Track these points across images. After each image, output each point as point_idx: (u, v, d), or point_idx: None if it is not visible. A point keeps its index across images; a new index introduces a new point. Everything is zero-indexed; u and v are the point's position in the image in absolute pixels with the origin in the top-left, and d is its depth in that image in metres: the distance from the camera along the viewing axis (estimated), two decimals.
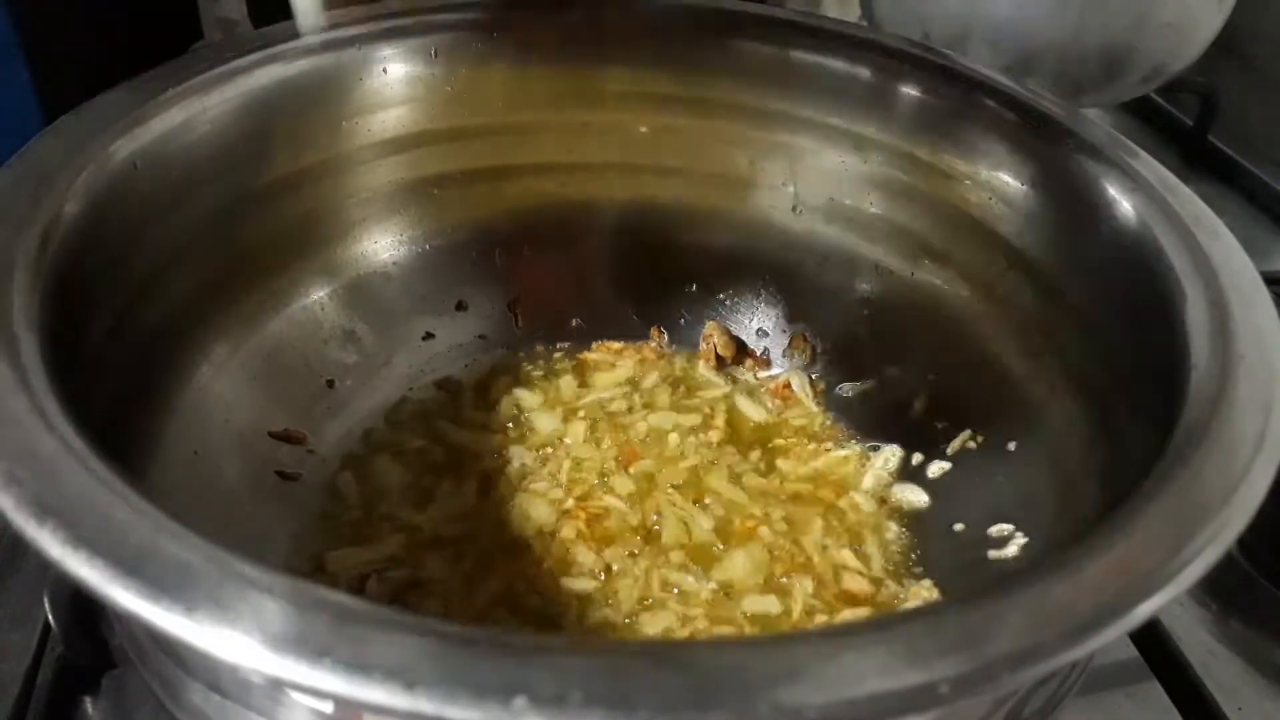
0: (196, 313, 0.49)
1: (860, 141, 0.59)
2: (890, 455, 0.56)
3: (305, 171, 0.55)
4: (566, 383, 0.61)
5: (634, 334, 0.64)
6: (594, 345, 0.63)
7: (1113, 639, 0.27)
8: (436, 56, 0.57)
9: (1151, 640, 0.50)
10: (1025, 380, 0.53)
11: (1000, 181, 0.53)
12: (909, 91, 0.56)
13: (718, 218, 0.64)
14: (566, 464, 0.55)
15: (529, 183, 0.63)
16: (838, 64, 0.58)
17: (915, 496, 0.54)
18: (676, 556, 0.51)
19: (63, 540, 0.26)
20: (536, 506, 0.52)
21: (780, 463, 0.57)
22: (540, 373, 0.61)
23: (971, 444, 0.54)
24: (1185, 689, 0.48)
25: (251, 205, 0.52)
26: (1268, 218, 0.88)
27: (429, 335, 0.60)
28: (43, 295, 0.36)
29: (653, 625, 0.47)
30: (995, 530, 0.50)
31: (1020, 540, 0.48)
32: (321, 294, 0.57)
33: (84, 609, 0.42)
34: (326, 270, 0.57)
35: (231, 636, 0.24)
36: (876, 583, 0.50)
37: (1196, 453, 0.33)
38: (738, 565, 0.50)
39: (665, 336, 0.64)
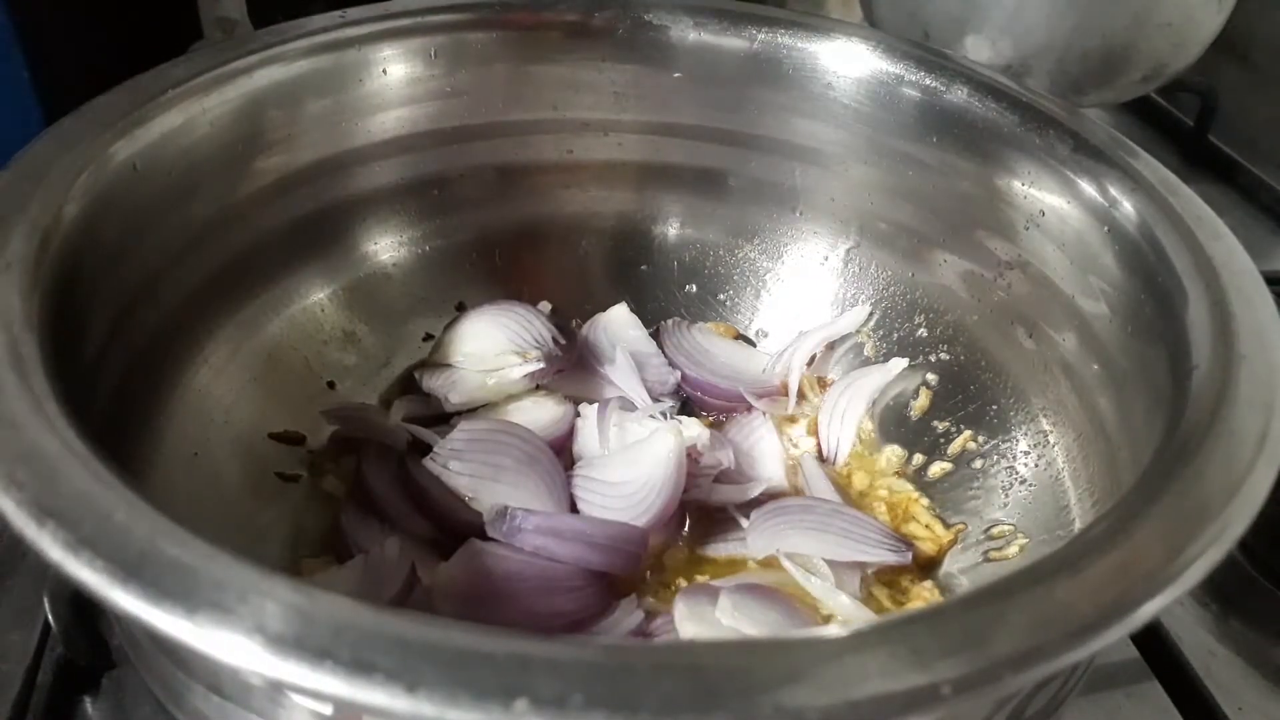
0: (196, 314, 0.49)
1: (861, 142, 0.59)
2: (891, 455, 0.56)
3: (305, 172, 0.55)
4: None
5: None
6: None
7: (1114, 640, 0.27)
8: (436, 56, 0.57)
9: (1152, 640, 0.50)
10: (1025, 381, 0.53)
11: (1001, 182, 0.53)
12: (909, 92, 0.56)
13: (718, 218, 0.64)
14: None
15: (529, 183, 0.63)
16: (838, 64, 0.58)
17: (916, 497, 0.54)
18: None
19: (63, 542, 0.26)
20: None
21: None
22: None
23: (971, 444, 0.54)
24: (1185, 689, 0.48)
25: (251, 206, 0.52)
26: (1268, 218, 0.88)
27: (429, 336, 0.60)
28: (43, 296, 0.36)
29: None
30: (996, 531, 0.50)
31: (1020, 540, 0.48)
32: (321, 295, 0.57)
33: (84, 609, 0.42)
34: (326, 271, 0.57)
35: (232, 639, 0.24)
36: None
37: (1198, 453, 0.33)
38: None
39: None
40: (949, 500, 0.53)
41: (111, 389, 0.42)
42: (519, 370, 0.56)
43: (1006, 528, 0.49)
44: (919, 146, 0.57)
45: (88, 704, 0.44)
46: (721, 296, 0.64)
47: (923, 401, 0.57)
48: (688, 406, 0.60)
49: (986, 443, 0.54)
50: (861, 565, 0.49)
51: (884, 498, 0.54)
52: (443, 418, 0.55)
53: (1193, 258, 0.42)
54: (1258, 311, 0.39)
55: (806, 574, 0.48)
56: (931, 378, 0.58)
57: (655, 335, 0.62)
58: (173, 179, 0.47)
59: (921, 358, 0.58)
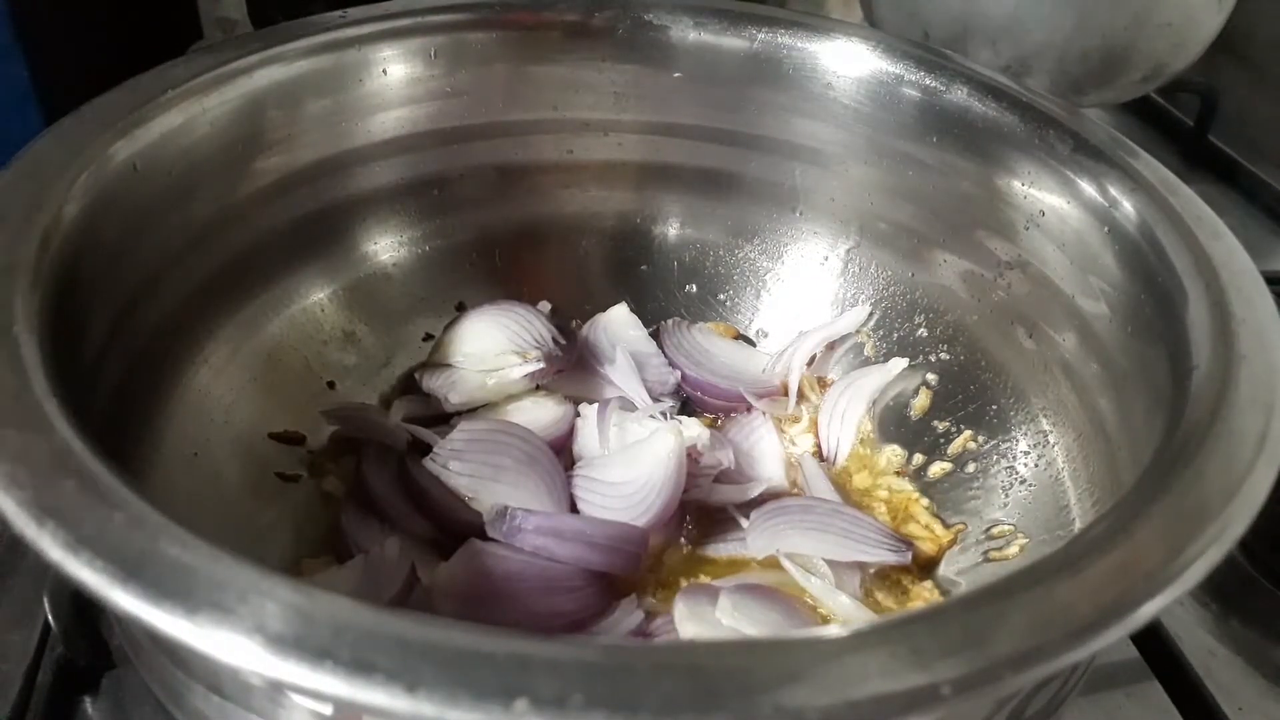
0: (196, 314, 0.49)
1: (861, 142, 0.59)
2: (891, 455, 0.56)
3: (305, 172, 0.55)
4: None
5: None
6: None
7: (1114, 640, 0.27)
8: (436, 56, 0.57)
9: (1152, 640, 0.50)
10: (1025, 381, 0.53)
11: (1001, 182, 0.53)
12: (909, 92, 0.56)
13: (718, 218, 0.64)
14: None
15: (529, 183, 0.63)
16: (838, 65, 0.58)
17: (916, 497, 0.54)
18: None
19: (63, 543, 0.26)
20: None
21: None
22: None
23: (971, 444, 0.54)
24: (1185, 689, 0.48)
25: (251, 207, 0.52)
26: (1268, 218, 0.88)
27: (429, 336, 0.60)
28: (43, 297, 0.36)
29: None
30: (996, 531, 0.50)
31: (1021, 540, 0.48)
32: (321, 295, 0.57)
33: (84, 609, 0.42)
34: (326, 271, 0.57)
35: (232, 639, 0.24)
36: None
37: (1198, 453, 0.33)
38: None
39: None
40: (949, 500, 0.53)
41: (111, 389, 0.42)
42: (519, 370, 0.56)
43: (1006, 528, 0.49)
44: (919, 146, 0.57)
45: (88, 704, 0.44)
46: (721, 296, 0.64)
47: (923, 401, 0.57)
48: (688, 406, 0.60)
49: (986, 443, 0.54)
50: (861, 565, 0.49)
51: (884, 498, 0.54)
52: (443, 418, 0.55)
53: (1193, 258, 0.42)
54: (1258, 311, 0.39)
55: (806, 574, 0.48)
56: (931, 378, 0.58)
57: (655, 335, 0.62)
58: (173, 179, 0.47)
59: (921, 358, 0.58)
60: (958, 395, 0.56)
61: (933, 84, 0.56)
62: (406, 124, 0.58)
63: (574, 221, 0.64)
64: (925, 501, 0.54)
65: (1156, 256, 0.44)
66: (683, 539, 0.52)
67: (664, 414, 0.56)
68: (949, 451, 0.55)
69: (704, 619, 0.44)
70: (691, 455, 0.51)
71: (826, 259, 0.62)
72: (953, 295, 0.57)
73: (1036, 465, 0.50)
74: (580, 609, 0.46)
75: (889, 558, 0.49)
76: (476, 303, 0.60)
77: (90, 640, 0.43)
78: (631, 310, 0.62)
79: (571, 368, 0.58)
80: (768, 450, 0.56)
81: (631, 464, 0.50)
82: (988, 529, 0.50)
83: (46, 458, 0.29)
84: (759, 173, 0.62)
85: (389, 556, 0.46)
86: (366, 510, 0.50)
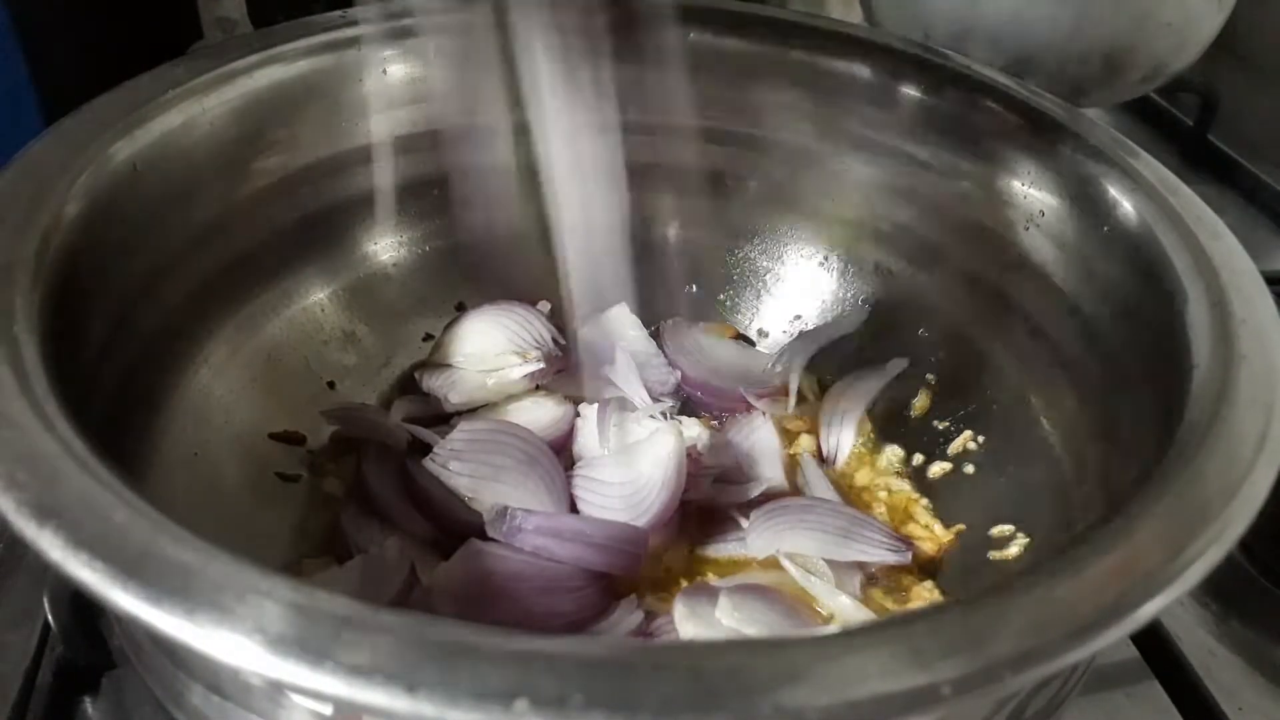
0: (196, 314, 0.49)
1: (861, 142, 0.59)
2: (891, 456, 0.56)
3: (305, 172, 0.55)
4: None
5: None
6: None
7: (1114, 640, 0.27)
8: (436, 56, 0.57)
9: (1152, 640, 0.50)
10: (1025, 381, 0.53)
11: (1001, 182, 0.53)
12: (909, 92, 0.56)
13: (717, 218, 0.64)
14: None
15: (529, 183, 0.63)
16: (838, 65, 0.58)
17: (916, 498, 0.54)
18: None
19: (63, 543, 0.26)
20: None
21: None
22: None
23: (972, 444, 0.54)
24: (1185, 689, 0.48)
25: (251, 207, 0.52)
26: (1268, 218, 0.88)
27: (429, 336, 0.60)
28: (43, 297, 0.36)
29: None
30: (996, 531, 0.50)
31: (1021, 540, 0.48)
32: (321, 295, 0.57)
33: (84, 609, 0.42)
34: (326, 272, 0.57)
35: (232, 639, 0.24)
36: None
37: (1198, 453, 0.33)
38: None
39: None
40: (949, 500, 0.53)
41: (111, 389, 0.42)
42: (519, 370, 0.56)
43: (1006, 528, 0.49)
44: (919, 146, 0.57)
45: (88, 704, 0.44)
46: (721, 296, 0.64)
47: (923, 401, 0.57)
48: (688, 406, 0.60)
49: (987, 443, 0.54)
50: (861, 565, 0.49)
51: (884, 498, 0.54)
52: (443, 418, 0.55)
53: (1193, 258, 0.42)
54: (1258, 311, 0.39)
55: (806, 574, 0.48)
56: (931, 378, 0.58)
57: (655, 335, 0.62)
58: (173, 179, 0.47)
59: (921, 358, 0.58)
60: (958, 395, 0.56)
61: (933, 84, 0.56)
62: (406, 124, 0.58)
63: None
64: (925, 501, 0.54)
65: (1156, 256, 0.44)
66: (683, 539, 0.52)
67: (664, 414, 0.56)
68: (949, 451, 0.55)
69: (704, 619, 0.44)
70: (691, 455, 0.51)
71: (826, 259, 0.62)
72: (953, 295, 0.57)
73: (1036, 465, 0.50)
74: (580, 609, 0.46)
75: (889, 558, 0.49)
76: (476, 303, 0.60)
77: (90, 640, 0.43)
78: (631, 310, 0.62)
79: (571, 368, 0.58)
80: (768, 450, 0.56)
81: (631, 464, 0.50)
82: (988, 529, 0.50)
83: (46, 458, 0.29)
84: (759, 173, 0.62)
85: (389, 556, 0.46)
86: (366, 510, 0.50)
